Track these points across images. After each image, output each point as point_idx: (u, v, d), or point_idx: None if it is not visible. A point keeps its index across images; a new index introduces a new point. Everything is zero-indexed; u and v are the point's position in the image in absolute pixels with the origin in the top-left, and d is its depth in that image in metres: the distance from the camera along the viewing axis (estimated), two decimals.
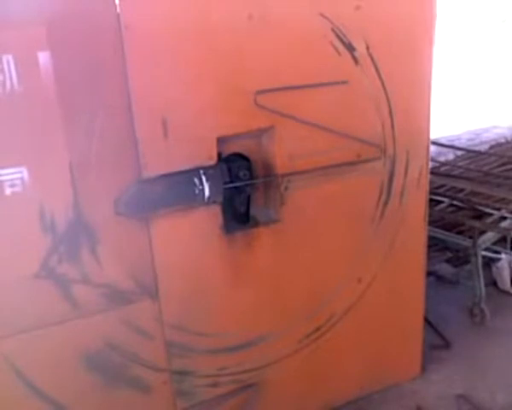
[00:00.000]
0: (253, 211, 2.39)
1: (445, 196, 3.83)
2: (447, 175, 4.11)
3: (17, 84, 1.84)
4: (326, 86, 2.32)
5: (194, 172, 2.15)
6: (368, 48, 2.33)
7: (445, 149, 5.09)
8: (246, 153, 2.32)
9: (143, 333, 2.25)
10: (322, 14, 2.21)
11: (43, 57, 1.86)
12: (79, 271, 2.08)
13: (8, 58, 1.81)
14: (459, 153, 4.88)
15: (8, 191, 1.90)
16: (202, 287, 2.32)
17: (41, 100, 1.90)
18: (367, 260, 2.64)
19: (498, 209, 3.57)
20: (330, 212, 2.48)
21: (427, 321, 3.10)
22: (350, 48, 2.30)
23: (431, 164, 2.95)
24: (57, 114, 1.92)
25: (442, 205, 3.75)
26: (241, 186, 2.29)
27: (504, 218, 3.53)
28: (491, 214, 3.55)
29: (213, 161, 2.17)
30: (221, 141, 2.18)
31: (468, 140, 6.83)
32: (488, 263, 3.76)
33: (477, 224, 3.42)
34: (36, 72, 1.86)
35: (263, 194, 2.40)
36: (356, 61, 2.33)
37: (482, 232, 3.45)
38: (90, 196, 2.03)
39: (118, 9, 1.90)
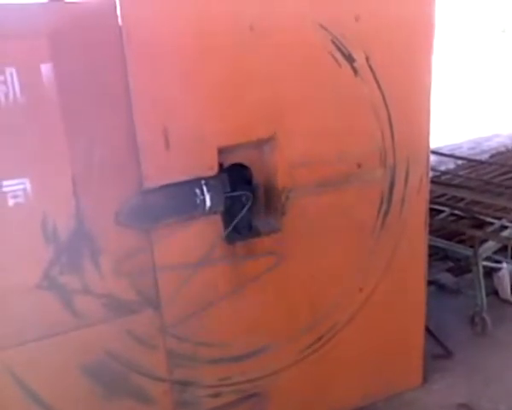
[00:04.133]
0: (254, 221, 2.40)
1: (445, 205, 3.83)
2: (448, 184, 4.11)
3: (20, 95, 1.86)
4: (326, 97, 2.33)
5: (196, 182, 2.16)
6: (367, 59, 2.35)
7: (445, 158, 5.10)
8: (247, 163, 2.33)
9: (145, 343, 2.26)
10: (321, 25, 2.23)
11: (46, 69, 1.88)
12: (81, 281, 2.09)
13: (12, 70, 1.83)
14: (460, 162, 4.88)
15: (10, 202, 1.91)
16: (203, 297, 2.33)
17: (43, 111, 1.91)
18: (368, 270, 2.64)
19: (499, 218, 3.57)
20: (331, 221, 2.49)
21: (428, 330, 3.10)
22: (349, 59, 2.32)
23: (431, 173, 2.96)
24: (59, 126, 1.93)
25: (443, 214, 3.75)
26: (242, 196, 2.30)
27: (505, 227, 3.53)
28: (491, 223, 3.55)
29: (214, 172, 2.19)
30: (222, 151, 2.20)
31: (469, 149, 6.83)
32: (489, 272, 3.75)
33: (478, 233, 3.43)
34: (38, 83, 1.88)
35: (264, 204, 2.41)
36: (355, 71, 2.34)
37: (483, 241, 3.45)
38: (92, 206, 2.04)
39: (119, 21, 1.92)
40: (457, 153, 5.92)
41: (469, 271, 3.55)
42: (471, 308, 3.46)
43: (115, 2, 1.90)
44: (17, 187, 1.92)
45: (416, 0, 2.43)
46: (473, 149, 6.83)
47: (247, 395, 2.54)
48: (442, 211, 3.78)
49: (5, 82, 1.83)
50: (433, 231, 3.41)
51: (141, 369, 2.27)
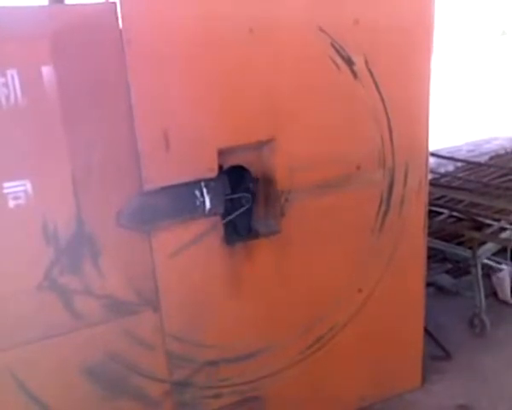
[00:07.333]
0: (253, 222, 2.41)
1: (444, 207, 3.83)
2: (447, 186, 4.11)
3: (21, 97, 1.87)
4: (325, 99, 2.35)
5: (196, 184, 2.17)
6: (367, 62, 2.36)
7: (445, 161, 5.11)
8: (247, 165, 2.34)
9: (144, 344, 2.27)
10: (321, 29, 2.24)
11: (47, 71, 1.89)
12: (81, 282, 2.10)
13: (13, 72, 1.84)
14: (459, 164, 4.89)
15: (11, 204, 1.92)
16: (203, 298, 2.34)
17: (44, 113, 1.93)
18: (367, 271, 2.65)
19: (498, 220, 3.57)
20: (330, 223, 2.50)
21: (427, 332, 3.11)
22: (349, 62, 2.33)
23: (431, 175, 2.97)
24: (60, 128, 1.95)
25: (442, 216, 3.76)
26: (241, 198, 2.31)
27: (504, 229, 3.53)
28: (490, 225, 3.56)
29: (214, 174, 2.20)
30: (222, 153, 2.21)
31: (469, 151, 6.85)
32: (488, 274, 3.76)
33: (477, 235, 3.43)
34: (39, 86, 1.89)
35: (263, 205, 2.42)
36: (355, 75, 2.36)
37: (482, 243, 3.46)
38: (93, 208, 2.05)
39: (120, 25, 1.93)
40: (457, 155, 5.94)
41: (468, 272, 3.55)
42: (470, 310, 3.47)
43: (116, 5, 1.92)
44: (18, 189, 1.93)
45: (415, 4, 2.44)
46: (472, 151, 6.85)
47: (247, 397, 2.55)
48: (441, 213, 3.79)
49: (6, 84, 1.84)
50: (432, 232, 3.42)
51: (141, 370, 2.28)
